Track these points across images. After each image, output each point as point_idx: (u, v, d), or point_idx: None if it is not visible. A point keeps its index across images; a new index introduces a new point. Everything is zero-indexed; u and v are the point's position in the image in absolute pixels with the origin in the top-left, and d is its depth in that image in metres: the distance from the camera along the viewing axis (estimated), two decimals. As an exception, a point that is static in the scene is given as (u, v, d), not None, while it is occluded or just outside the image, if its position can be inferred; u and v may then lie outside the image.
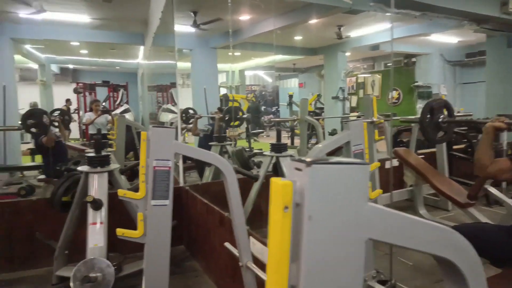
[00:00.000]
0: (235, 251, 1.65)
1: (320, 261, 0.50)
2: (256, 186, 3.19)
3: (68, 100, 10.61)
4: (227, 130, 5.29)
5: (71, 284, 2.14)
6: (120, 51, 9.71)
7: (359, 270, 0.53)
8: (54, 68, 11.51)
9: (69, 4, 5.51)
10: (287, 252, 0.50)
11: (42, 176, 4.54)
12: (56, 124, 4.44)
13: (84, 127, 10.31)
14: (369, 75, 11.44)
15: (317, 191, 0.50)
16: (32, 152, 6.56)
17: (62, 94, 10.98)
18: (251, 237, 1.73)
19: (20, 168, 5.71)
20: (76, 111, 11.09)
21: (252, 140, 8.09)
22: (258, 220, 2.84)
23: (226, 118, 5.28)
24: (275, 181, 0.52)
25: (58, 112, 5.52)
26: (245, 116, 6.33)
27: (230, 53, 9.07)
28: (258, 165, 4.04)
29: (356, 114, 7.74)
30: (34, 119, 3.54)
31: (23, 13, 5.62)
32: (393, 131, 5.15)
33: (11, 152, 6.40)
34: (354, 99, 11.61)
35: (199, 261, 2.98)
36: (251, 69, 13.80)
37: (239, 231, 1.55)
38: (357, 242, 0.53)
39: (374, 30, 7.63)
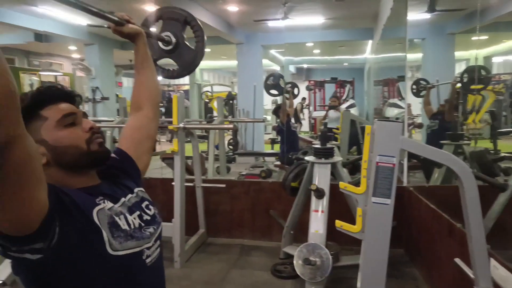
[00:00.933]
0: (468, 270, 1.40)
1: None
2: (502, 198, 2.61)
3: (304, 99, 11.77)
4: (464, 127, 4.56)
5: (294, 262, 2.38)
6: (348, 47, 9.98)
7: None
8: (292, 68, 13.03)
9: (307, 9, 6.07)
10: None
11: (278, 162, 5.25)
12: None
13: (313, 121, 11.24)
14: None
15: None
16: (272, 142, 7.72)
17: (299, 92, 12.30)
18: (492, 259, 1.43)
19: (262, 154, 6.79)
20: (307, 107, 12.19)
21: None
22: (501, 239, 2.33)
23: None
24: None
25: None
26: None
27: (475, 38, 7.75)
28: (506, 172, 3.29)
29: None
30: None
31: (271, 22, 6.60)
32: None
33: (257, 140, 7.70)
34: None
35: (420, 270, 2.73)
36: (501, 55, 11.36)
37: (477, 249, 1.30)
38: None
39: None
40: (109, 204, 0.91)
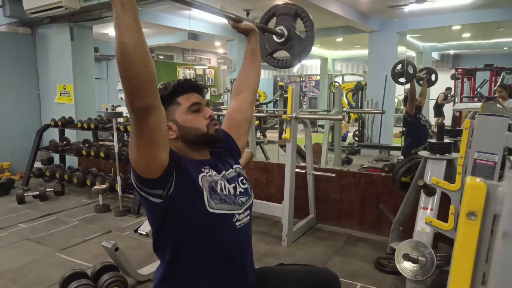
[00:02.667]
0: None
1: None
2: None
3: (448, 89, 10.54)
4: None
5: (395, 256, 2.33)
6: (509, 29, 8.47)
7: None
8: (435, 55, 11.75)
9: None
10: (469, 270, 0.42)
11: (401, 158, 4.96)
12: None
13: (457, 113, 9.99)
14: None
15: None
16: (403, 135, 7.25)
17: (442, 81, 11.06)
18: None
19: (387, 147, 6.47)
20: (452, 98, 10.87)
21: None
22: None
23: None
24: (470, 180, 0.43)
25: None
26: None
27: None
28: None
29: None
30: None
31: (408, 6, 6.15)
32: None
33: (385, 133, 7.35)
34: None
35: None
36: None
37: None
38: None
39: None
40: (212, 173, 1.19)
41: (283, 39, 1.72)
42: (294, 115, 2.96)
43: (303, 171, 3.46)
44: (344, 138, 8.41)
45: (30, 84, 5.69)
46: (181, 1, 1.12)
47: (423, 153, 2.58)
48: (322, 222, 3.55)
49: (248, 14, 6.51)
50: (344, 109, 5.72)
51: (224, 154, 1.34)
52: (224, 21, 1.56)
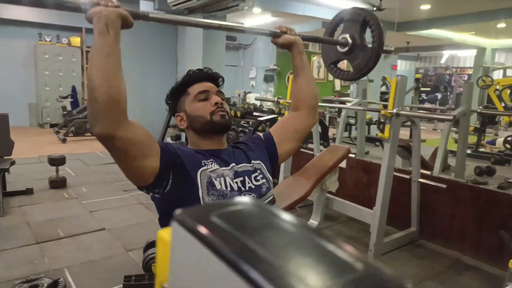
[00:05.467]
0: None
1: None
2: None
3: None
4: None
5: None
6: None
7: None
8: None
9: None
10: None
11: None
12: None
13: None
14: None
15: None
16: None
17: None
18: None
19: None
20: None
21: None
22: None
23: None
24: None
25: None
26: None
27: None
28: None
29: None
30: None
31: None
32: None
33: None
34: None
35: None
36: None
37: None
38: None
39: None
40: (214, 167, 1.12)
41: (346, 49, 1.51)
42: (395, 111, 2.58)
43: (407, 176, 3.02)
44: (492, 143, 7.07)
45: (169, 69, 6.49)
46: (193, 24, 1.14)
47: None
48: (427, 239, 3.04)
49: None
50: (478, 108, 4.73)
51: (252, 149, 1.26)
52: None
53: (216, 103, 1.19)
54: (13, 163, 3.51)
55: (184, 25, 1.22)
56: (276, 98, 3.65)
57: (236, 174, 1.15)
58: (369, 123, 6.88)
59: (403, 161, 4.15)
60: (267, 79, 10.63)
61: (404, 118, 2.79)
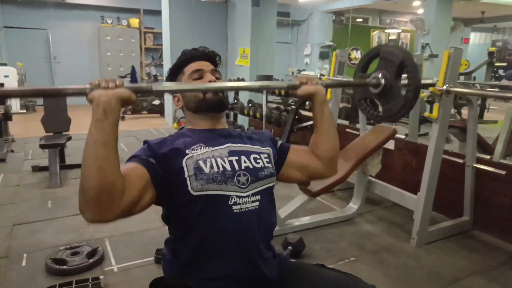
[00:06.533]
0: None
1: None
2: None
3: None
4: None
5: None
6: None
7: None
8: None
9: None
10: None
11: None
12: None
13: None
14: None
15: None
16: None
17: None
18: None
19: None
20: None
21: None
22: None
23: None
24: None
25: None
26: None
27: None
28: None
29: None
30: None
31: None
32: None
33: None
34: None
35: None
36: None
37: None
38: None
39: None
40: (202, 150, 1.05)
41: (378, 90, 1.35)
42: (445, 87, 2.30)
43: (461, 161, 2.73)
44: None
45: (220, 47, 6.49)
46: (202, 90, 1.15)
47: None
48: (481, 230, 2.76)
49: None
50: None
51: (261, 140, 1.20)
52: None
53: (209, 81, 1.15)
54: (69, 138, 3.79)
55: (188, 92, 1.18)
56: (318, 75, 3.48)
57: (231, 153, 1.08)
58: (430, 101, 6.33)
59: (460, 144, 3.77)
60: (323, 56, 10.24)
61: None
